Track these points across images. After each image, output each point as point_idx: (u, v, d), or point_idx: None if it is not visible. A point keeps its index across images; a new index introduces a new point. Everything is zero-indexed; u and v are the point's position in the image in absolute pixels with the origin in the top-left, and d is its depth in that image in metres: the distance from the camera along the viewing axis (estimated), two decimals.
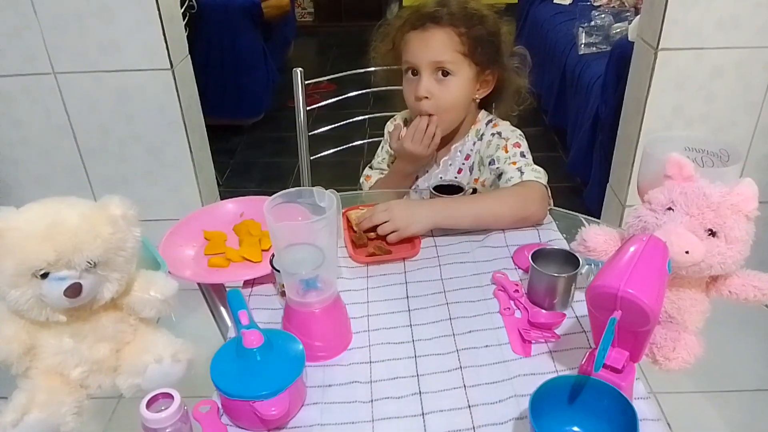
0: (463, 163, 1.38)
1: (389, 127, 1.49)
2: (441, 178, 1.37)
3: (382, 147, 1.50)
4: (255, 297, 1.01)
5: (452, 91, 1.26)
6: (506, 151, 1.27)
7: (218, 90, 3.48)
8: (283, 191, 0.84)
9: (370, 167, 1.51)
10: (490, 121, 1.37)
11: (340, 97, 1.66)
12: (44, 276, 0.72)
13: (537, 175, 1.19)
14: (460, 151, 1.37)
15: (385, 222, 1.11)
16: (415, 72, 1.27)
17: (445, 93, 1.26)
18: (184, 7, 2.82)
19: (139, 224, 0.80)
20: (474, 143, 1.36)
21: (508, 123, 1.37)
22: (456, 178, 1.36)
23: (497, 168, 1.26)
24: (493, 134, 1.34)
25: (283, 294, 0.94)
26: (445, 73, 1.25)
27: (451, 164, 1.38)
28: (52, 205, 0.74)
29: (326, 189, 0.86)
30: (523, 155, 1.27)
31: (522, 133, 1.33)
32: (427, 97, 1.25)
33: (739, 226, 0.76)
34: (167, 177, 2.11)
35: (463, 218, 1.14)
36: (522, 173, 1.19)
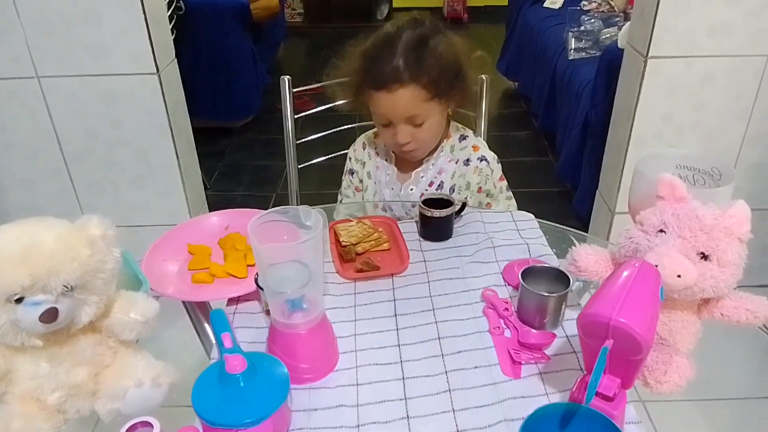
0: (435, 177, 1.38)
1: (351, 151, 1.49)
2: (411, 189, 1.39)
3: (346, 173, 1.50)
4: (240, 315, 0.99)
5: (431, 131, 1.30)
6: (495, 186, 1.38)
7: (207, 92, 3.44)
8: (268, 211, 0.82)
9: (340, 200, 1.52)
10: (464, 137, 1.40)
11: (330, 105, 1.63)
12: (19, 300, 0.69)
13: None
14: (432, 164, 1.38)
15: None
16: (386, 120, 1.27)
17: (425, 134, 1.29)
18: (171, 8, 2.79)
19: (118, 244, 0.77)
20: (449, 160, 1.38)
21: (482, 142, 1.43)
22: (427, 190, 1.37)
23: (490, 198, 1.39)
24: (479, 159, 1.36)
25: (268, 312, 0.92)
26: (420, 121, 1.26)
27: (422, 176, 1.39)
28: (28, 227, 0.71)
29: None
30: (503, 190, 1.40)
31: (497, 157, 1.39)
32: (409, 142, 1.28)
33: (732, 249, 0.75)
34: (153, 182, 2.08)
35: None
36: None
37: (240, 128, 3.73)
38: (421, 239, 1.17)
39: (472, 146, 1.38)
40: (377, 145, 1.46)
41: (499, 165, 1.39)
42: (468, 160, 1.36)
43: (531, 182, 3.04)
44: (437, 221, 1.15)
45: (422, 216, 1.16)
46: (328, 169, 1.69)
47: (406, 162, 1.41)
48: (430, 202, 1.15)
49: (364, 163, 1.46)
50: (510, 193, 1.42)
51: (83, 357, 0.77)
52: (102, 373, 0.80)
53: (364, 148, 1.47)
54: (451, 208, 1.14)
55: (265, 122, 3.74)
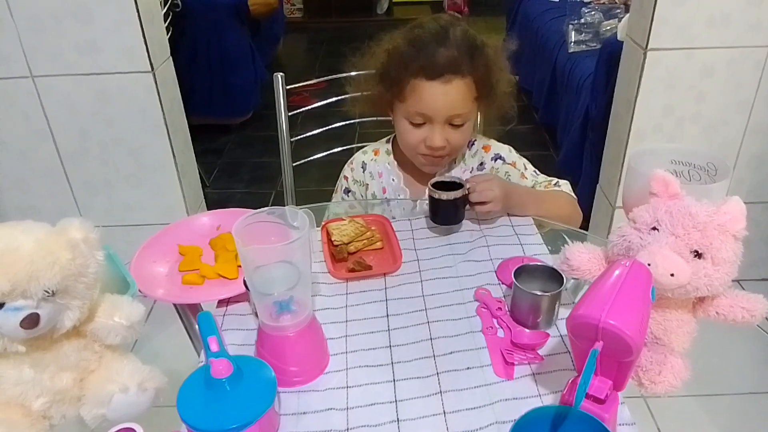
0: None
1: (347, 170, 1.39)
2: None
3: (339, 191, 1.42)
4: (229, 317, 0.97)
5: (465, 135, 1.22)
6: (525, 177, 1.31)
7: (205, 89, 3.43)
8: (254, 212, 0.81)
9: (327, 216, 1.34)
10: (471, 142, 1.33)
11: (330, 100, 1.61)
12: None
13: (570, 189, 1.29)
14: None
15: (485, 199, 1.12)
16: (422, 120, 1.19)
17: (459, 139, 1.21)
18: (167, 5, 2.77)
19: (101, 247, 0.76)
20: (463, 171, 1.33)
21: (490, 140, 1.35)
22: None
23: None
24: (493, 159, 1.31)
25: (257, 314, 0.91)
26: (461, 122, 1.19)
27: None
28: (6, 231, 0.70)
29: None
30: (536, 173, 1.32)
31: (512, 149, 1.33)
32: (443, 147, 1.20)
33: (726, 247, 0.73)
34: (150, 181, 2.07)
35: (528, 209, 1.19)
36: (559, 186, 1.28)
37: (239, 125, 3.72)
38: (433, 226, 1.15)
39: (483, 147, 1.32)
40: (380, 164, 1.37)
41: (519, 156, 1.32)
42: (482, 164, 1.31)
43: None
44: (445, 204, 1.11)
45: (431, 199, 1.12)
46: (328, 165, 1.67)
47: (416, 182, 1.34)
48: (440, 186, 1.12)
49: (367, 185, 1.37)
50: (543, 176, 1.31)
51: (68, 362, 0.76)
52: (87, 378, 0.78)
53: (364, 169, 1.37)
54: (461, 190, 1.11)
55: (265, 119, 3.73)
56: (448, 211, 1.13)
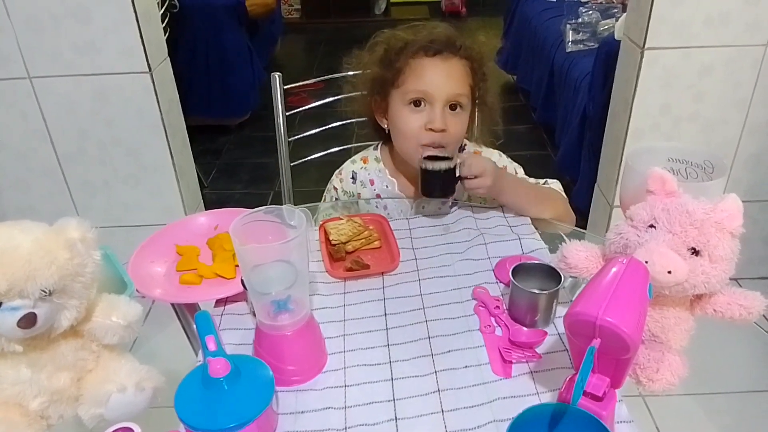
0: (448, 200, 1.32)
1: (336, 181, 1.37)
2: (423, 207, 1.30)
3: (325, 199, 1.40)
4: (227, 316, 0.97)
5: (463, 125, 1.22)
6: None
7: (203, 89, 3.43)
8: (251, 211, 0.81)
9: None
10: (462, 148, 1.33)
11: (328, 100, 1.61)
12: None
13: (560, 187, 1.30)
14: None
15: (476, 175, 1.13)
16: (420, 102, 1.18)
17: (458, 127, 1.20)
18: (165, 6, 2.77)
19: (98, 247, 0.76)
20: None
21: (480, 145, 1.35)
22: (440, 209, 1.29)
23: None
24: None
25: (255, 313, 0.91)
26: (455, 107, 1.19)
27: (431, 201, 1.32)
28: (4, 231, 0.70)
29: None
30: (526, 178, 1.32)
31: (502, 154, 1.34)
32: (443, 130, 1.18)
33: (723, 244, 0.73)
34: (148, 181, 2.07)
35: (519, 197, 1.21)
36: (547, 183, 1.30)
37: (238, 125, 3.72)
38: (424, 199, 1.17)
39: (474, 152, 1.32)
40: (370, 172, 1.35)
41: (510, 161, 1.33)
42: None
43: (530, 176, 3.00)
44: (436, 175, 1.13)
45: (422, 171, 1.14)
46: (326, 165, 1.67)
47: (411, 186, 1.32)
48: (432, 160, 1.14)
49: (359, 194, 1.35)
50: (535, 179, 1.33)
51: (65, 362, 0.76)
52: (85, 377, 0.79)
53: (354, 180, 1.35)
54: (452, 160, 1.13)
55: (263, 119, 3.72)
56: (438, 181, 1.14)
